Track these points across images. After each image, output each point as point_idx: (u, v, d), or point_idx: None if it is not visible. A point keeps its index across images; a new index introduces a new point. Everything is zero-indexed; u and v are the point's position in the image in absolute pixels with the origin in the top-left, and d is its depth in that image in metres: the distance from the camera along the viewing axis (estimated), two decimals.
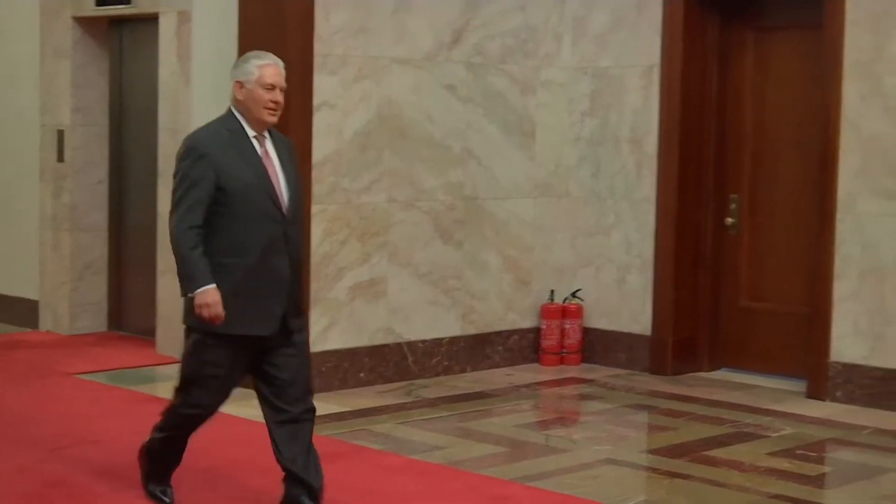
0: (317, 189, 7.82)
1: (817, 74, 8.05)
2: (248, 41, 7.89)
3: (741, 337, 8.79)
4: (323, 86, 7.86)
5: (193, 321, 5.23)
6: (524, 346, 9.04)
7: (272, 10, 7.79)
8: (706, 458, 6.66)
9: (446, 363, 8.57)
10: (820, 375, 7.99)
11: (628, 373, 8.78)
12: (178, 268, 5.23)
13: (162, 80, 8.97)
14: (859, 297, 7.81)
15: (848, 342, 7.86)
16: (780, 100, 8.52)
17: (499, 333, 8.87)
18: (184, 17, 8.69)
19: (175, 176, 5.28)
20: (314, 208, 7.81)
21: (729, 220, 8.76)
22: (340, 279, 8.01)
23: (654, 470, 6.58)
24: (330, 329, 7.99)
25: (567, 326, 9.04)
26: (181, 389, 5.41)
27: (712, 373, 8.81)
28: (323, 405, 7.59)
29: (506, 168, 8.84)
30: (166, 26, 8.87)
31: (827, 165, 7.92)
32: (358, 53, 8.03)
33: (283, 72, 5.36)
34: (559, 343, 9.04)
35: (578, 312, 9.08)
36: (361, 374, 8.15)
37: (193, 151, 5.22)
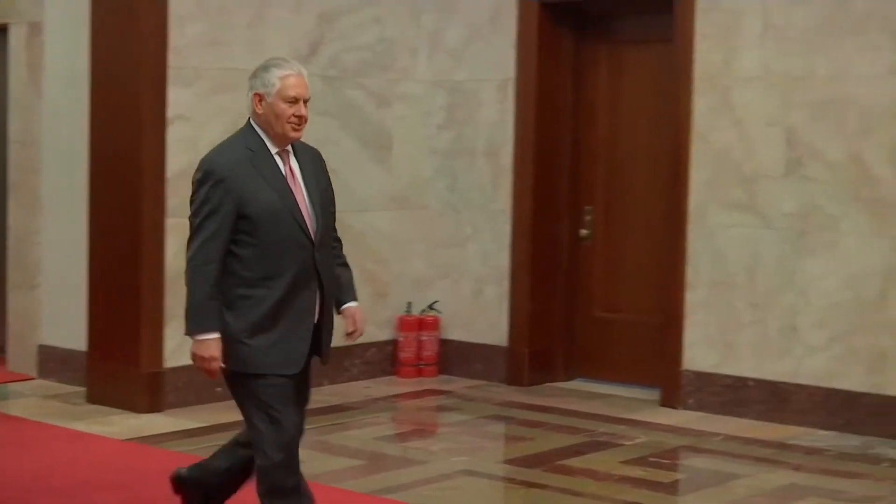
0: (171, 203, 7.72)
1: (668, 88, 8.19)
2: (102, 53, 7.79)
3: (596, 347, 8.89)
4: (177, 98, 7.77)
5: (230, 362, 4.77)
6: (382, 358, 9.03)
7: (125, 21, 7.68)
8: (562, 467, 6.72)
9: None
10: (673, 384, 8.12)
11: (485, 384, 8.82)
12: (186, 304, 4.79)
13: (12, 92, 8.78)
14: (710, 306, 7.95)
15: (699, 351, 7.99)
16: (632, 112, 8.65)
17: (356, 346, 8.82)
18: (35, 29, 8.52)
19: (192, 201, 4.78)
20: (169, 222, 7.71)
21: (583, 232, 8.86)
22: None
23: (511, 480, 6.61)
24: (185, 345, 7.79)
25: (424, 338, 9.06)
26: (266, 438, 4.80)
27: (568, 383, 8.89)
28: (178, 421, 7.55)
29: (362, 181, 8.82)
30: (16, 38, 8.68)
31: (678, 177, 8.06)
32: (213, 66, 7.95)
33: (306, 81, 4.87)
34: (416, 355, 9.05)
35: (435, 324, 9.10)
36: (218, 389, 8.03)
37: (211, 176, 4.73)
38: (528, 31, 8.70)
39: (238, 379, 4.80)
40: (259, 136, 4.86)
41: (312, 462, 6.72)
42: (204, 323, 4.73)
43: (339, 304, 5.08)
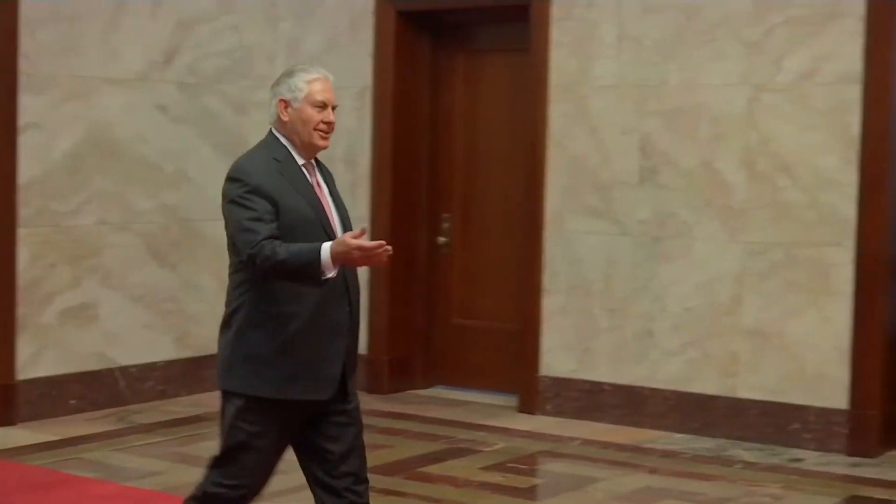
0: (24, 212, 7.55)
1: (525, 96, 8.24)
2: None
3: (455, 354, 8.90)
4: (29, 106, 7.59)
5: (233, 383, 4.44)
6: None
7: None
8: (421, 474, 6.71)
9: (161, 388, 8.39)
10: (531, 390, 8.16)
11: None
12: (292, 276, 4.29)
13: None
14: (567, 312, 8.01)
15: (557, 356, 8.04)
16: (490, 121, 8.69)
17: (215, 356, 8.69)
18: None
19: (229, 213, 4.41)
20: (21, 232, 7.53)
21: (441, 240, 8.87)
22: (50, 304, 7.74)
23: (370, 489, 6.57)
24: (38, 356, 7.71)
25: None
26: (216, 465, 4.59)
27: (427, 390, 8.89)
28: (32, 435, 7.36)
29: (220, 189, 8.67)
30: None
31: (535, 185, 8.11)
32: (66, 73, 7.79)
33: (332, 86, 4.57)
34: None
35: None
36: (72, 402, 7.89)
37: (241, 183, 4.38)
38: (386, 39, 8.69)
39: (251, 403, 4.40)
40: (284, 146, 4.52)
41: (170, 473, 6.62)
42: (311, 252, 4.21)
43: None
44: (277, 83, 4.59)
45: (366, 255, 4.24)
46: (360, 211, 8.75)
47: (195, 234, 8.57)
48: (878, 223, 7.06)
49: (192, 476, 6.57)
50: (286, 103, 4.52)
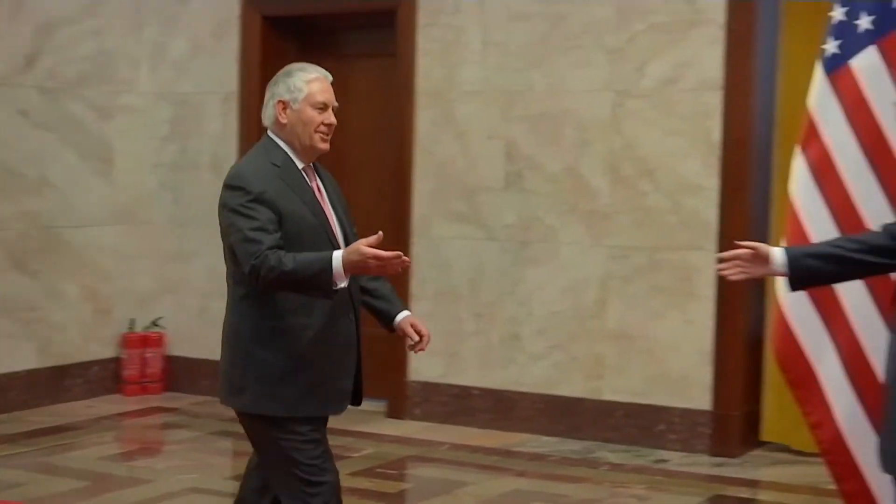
0: None
1: (392, 101, 8.22)
2: None
3: None
4: None
5: (247, 403, 4.27)
6: (105, 376, 8.75)
7: None
8: None
9: (23, 397, 8.19)
10: (399, 395, 8.15)
11: (212, 400, 8.60)
12: (301, 287, 4.11)
13: None
14: (435, 317, 7.99)
15: (425, 361, 8.02)
16: (357, 126, 8.62)
17: (79, 365, 8.56)
18: None
19: (229, 224, 4.21)
20: None
21: None
22: None
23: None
24: None
25: (149, 355, 8.83)
26: (300, 492, 4.29)
27: None
28: None
29: (84, 195, 8.55)
30: None
31: (402, 190, 8.10)
32: None
33: (331, 86, 4.39)
34: (141, 372, 8.82)
35: (160, 341, 8.89)
36: None
37: (242, 191, 4.17)
38: (251, 44, 8.61)
39: (271, 424, 4.25)
40: (282, 149, 4.32)
41: (34, 484, 6.48)
42: (321, 260, 4.04)
43: (390, 317, 4.57)
44: (275, 83, 4.39)
45: (382, 265, 4.10)
46: None
47: (58, 242, 8.39)
48: (738, 227, 7.17)
49: (57, 486, 6.47)
50: (284, 104, 4.32)
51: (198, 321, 8.83)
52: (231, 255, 4.26)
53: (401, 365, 8.11)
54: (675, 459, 7.19)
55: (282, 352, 4.20)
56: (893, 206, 4.78)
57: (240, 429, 4.45)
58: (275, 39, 8.67)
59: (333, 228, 4.35)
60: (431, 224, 8.04)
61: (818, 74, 4.98)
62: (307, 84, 4.33)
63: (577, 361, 7.64)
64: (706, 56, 7.27)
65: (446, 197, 7.99)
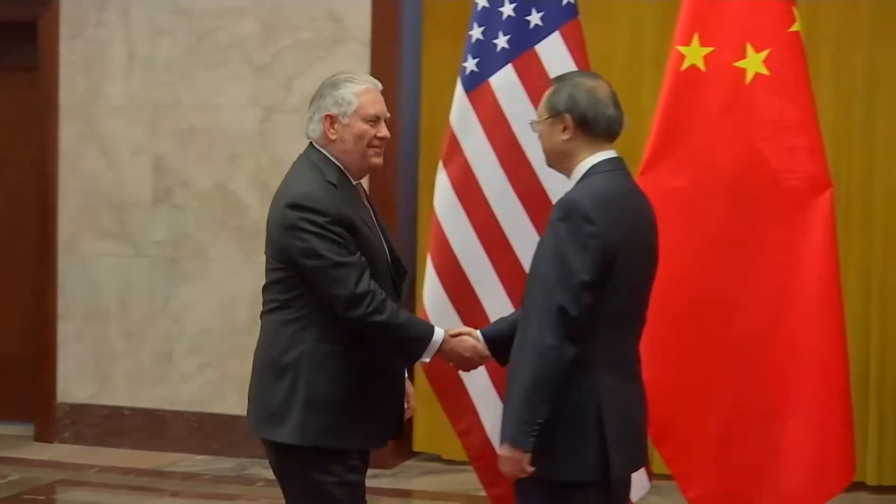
0: None
1: (35, 116, 7.88)
2: None
3: None
4: None
5: (287, 434, 3.90)
6: None
7: None
8: None
9: None
10: (47, 418, 7.82)
11: None
12: (390, 342, 3.92)
13: None
14: (84, 338, 7.73)
15: (74, 383, 7.75)
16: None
17: None
18: None
19: (299, 254, 3.86)
20: None
21: None
22: None
23: None
24: None
25: None
26: None
27: None
28: None
29: None
30: None
31: (46, 208, 7.79)
32: None
33: (383, 98, 4.06)
34: None
35: None
36: None
37: (316, 213, 3.82)
38: None
39: (319, 456, 3.92)
40: (337, 166, 3.96)
41: None
42: (422, 327, 3.95)
43: None
44: (320, 96, 4.02)
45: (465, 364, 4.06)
46: None
47: None
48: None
49: None
50: (333, 119, 3.96)
51: None
52: (280, 279, 3.95)
53: (48, 388, 7.80)
54: None
55: (340, 378, 3.88)
56: (532, 222, 4.91)
57: None
58: None
59: (385, 251, 4.06)
60: (79, 242, 7.76)
61: (458, 91, 5.05)
62: (357, 97, 3.98)
63: (230, 379, 7.52)
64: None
65: (93, 214, 7.73)
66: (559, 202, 3.73)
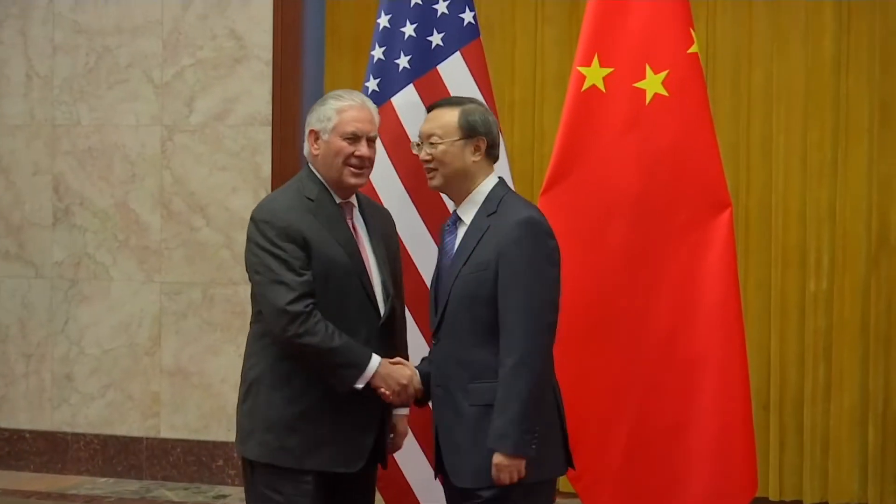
0: None
1: None
2: None
3: None
4: None
5: (252, 450, 3.92)
6: None
7: None
8: None
9: None
10: None
11: None
12: (321, 366, 3.86)
13: None
14: None
15: None
16: None
17: None
18: None
19: (249, 266, 3.96)
20: None
21: None
22: None
23: None
24: None
25: None
26: None
27: None
28: None
29: None
30: None
31: None
32: None
33: (373, 115, 4.06)
34: None
35: None
36: None
37: (267, 225, 3.89)
38: None
39: (273, 474, 3.94)
40: (320, 181, 4.00)
41: None
42: (359, 355, 3.87)
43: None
44: (310, 111, 4.10)
45: (398, 396, 3.97)
46: None
47: None
48: None
49: None
50: (316, 135, 4.02)
51: None
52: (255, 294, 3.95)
53: None
54: (236, 494, 7.09)
55: (296, 397, 3.89)
56: (433, 236, 4.92)
57: None
58: None
59: (369, 273, 4.02)
60: None
61: None
62: (338, 113, 4.02)
63: (132, 400, 7.40)
64: (254, 91, 7.22)
65: None
66: (518, 222, 3.88)
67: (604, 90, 4.78)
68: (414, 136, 4.96)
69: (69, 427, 7.53)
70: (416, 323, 4.81)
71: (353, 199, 4.15)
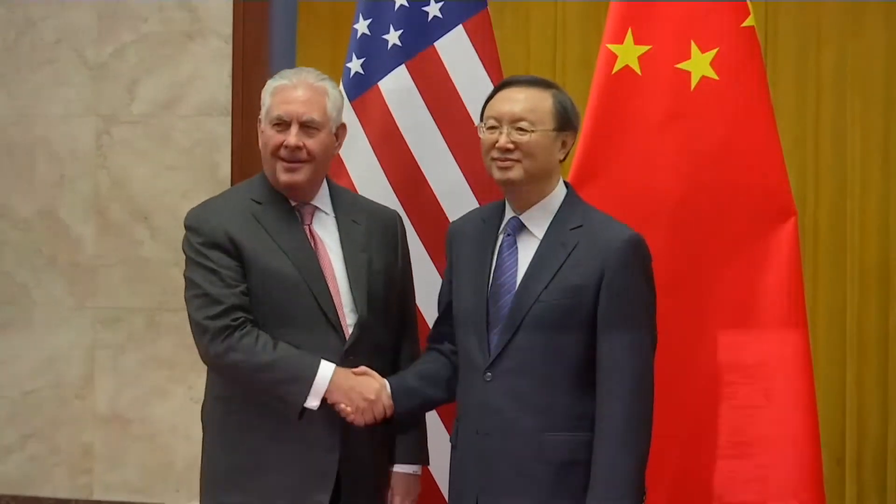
0: None
1: None
2: None
3: None
4: None
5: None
6: None
7: None
8: None
9: None
10: None
11: None
12: (262, 389, 3.87)
13: None
14: None
15: None
16: None
17: None
18: None
19: (185, 281, 3.99)
20: None
21: None
22: None
23: None
24: None
25: None
26: None
27: None
28: None
29: None
30: None
31: None
32: None
33: (316, 96, 4.00)
34: None
35: None
36: None
37: (193, 233, 3.95)
38: None
39: None
40: (269, 181, 4.05)
41: None
42: (306, 367, 3.87)
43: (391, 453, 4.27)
44: None
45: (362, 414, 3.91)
46: None
47: None
48: None
49: None
50: (260, 123, 4.08)
51: None
52: None
53: None
54: None
55: (237, 445, 3.93)
56: (425, 247, 4.94)
57: None
58: None
59: (331, 289, 3.99)
60: None
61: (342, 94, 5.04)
62: (271, 95, 4.05)
63: (59, 453, 7.43)
64: (210, 75, 7.25)
65: None
66: (625, 242, 3.99)
67: (639, 72, 4.79)
68: (405, 129, 4.97)
69: None
70: None
71: (320, 202, 4.15)
